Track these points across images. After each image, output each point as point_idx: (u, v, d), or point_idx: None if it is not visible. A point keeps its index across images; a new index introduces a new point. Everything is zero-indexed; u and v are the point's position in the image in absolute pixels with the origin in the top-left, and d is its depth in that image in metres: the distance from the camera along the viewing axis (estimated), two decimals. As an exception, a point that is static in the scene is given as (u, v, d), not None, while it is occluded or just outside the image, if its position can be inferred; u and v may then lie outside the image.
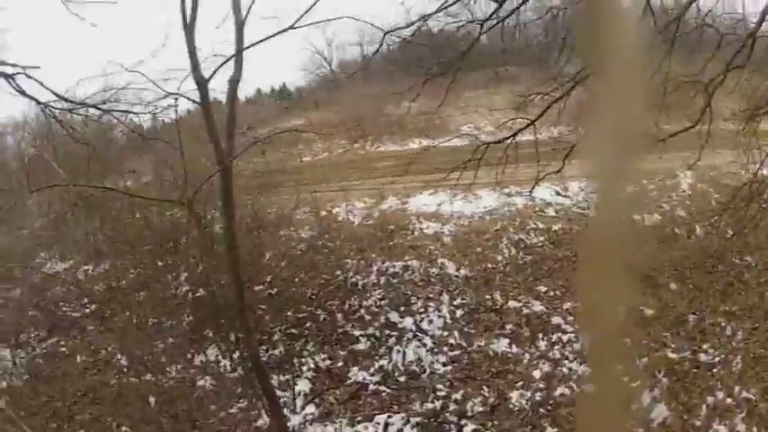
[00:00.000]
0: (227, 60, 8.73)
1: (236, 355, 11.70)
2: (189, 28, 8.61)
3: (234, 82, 9.05)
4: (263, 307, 13.08)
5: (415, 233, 15.62)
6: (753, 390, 10.36)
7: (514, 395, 11.03)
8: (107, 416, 11.13)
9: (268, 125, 23.01)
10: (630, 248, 1.20)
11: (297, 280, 13.75)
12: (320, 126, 24.37)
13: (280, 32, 8.98)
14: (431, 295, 13.40)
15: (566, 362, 11.63)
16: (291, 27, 8.83)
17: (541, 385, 11.20)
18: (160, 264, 14.56)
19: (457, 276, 13.96)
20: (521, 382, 11.28)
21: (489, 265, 14.28)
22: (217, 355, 11.94)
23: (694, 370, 11.00)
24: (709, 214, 14.66)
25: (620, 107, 1.16)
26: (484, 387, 11.23)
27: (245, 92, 31.01)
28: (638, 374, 10.87)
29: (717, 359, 11.11)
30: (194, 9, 8.57)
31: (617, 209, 1.22)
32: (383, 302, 13.27)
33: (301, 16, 8.84)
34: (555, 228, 15.52)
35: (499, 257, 14.56)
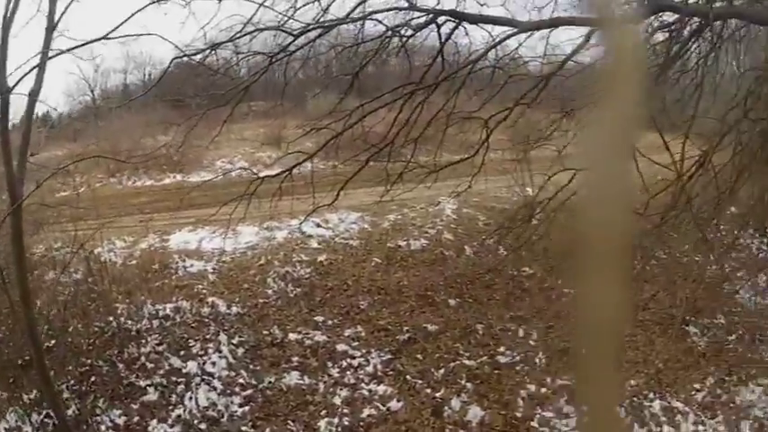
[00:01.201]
0: (36, 67, 7.73)
1: (34, 418, 10.42)
2: (6, 24, 7.62)
3: (34, 95, 8.01)
4: (46, 361, 11.78)
5: (180, 272, 14.92)
6: (566, 377, 11.06)
7: (322, 424, 10.81)
8: None
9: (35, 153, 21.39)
10: (623, 246, 1.29)
11: (71, 329, 12.27)
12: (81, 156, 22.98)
13: (95, 41, 8.25)
14: (207, 336, 12.75)
15: (363, 385, 11.65)
16: (105, 37, 8.17)
17: (346, 410, 11.10)
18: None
19: (230, 314, 13.45)
20: (324, 411, 11.09)
21: (261, 300, 13.95)
22: (17, 420, 10.50)
23: (496, 371, 11.69)
24: (478, 235, 15.60)
25: (617, 121, 1.30)
26: (289, 422, 10.87)
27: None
28: (439, 384, 11.14)
29: (517, 358, 11.77)
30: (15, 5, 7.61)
31: (610, 209, 1.31)
32: (161, 348, 12.34)
33: (120, 25, 8.26)
34: (320, 259, 15.57)
35: (269, 291, 14.29)
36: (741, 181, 10.42)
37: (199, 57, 11.03)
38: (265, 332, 12.94)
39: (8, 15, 7.72)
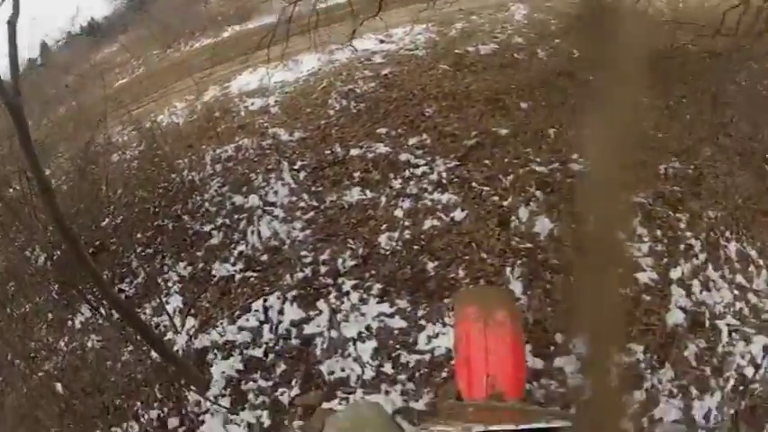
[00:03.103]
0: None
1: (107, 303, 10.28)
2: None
3: (12, 23, 7.62)
4: (113, 240, 11.69)
5: (242, 113, 14.75)
6: (639, 189, 9.34)
7: (382, 239, 9.96)
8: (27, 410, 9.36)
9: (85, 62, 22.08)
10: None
11: (137, 200, 12.36)
12: (136, 44, 23.22)
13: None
14: (269, 167, 12.27)
15: (426, 194, 10.60)
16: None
17: (407, 223, 10.17)
18: (16, 245, 12.70)
19: (291, 141, 12.91)
20: (385, 225, 10.23)
21: (323, 122, 13.28)
22: (91, 309, 10.35)
23: (569, 179, 9.97)
24: (551, 39, 14.49)
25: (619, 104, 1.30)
26: (349, 240, 10.16)
27: (52, 37, 29.00)
28: (507, 192, 10.02)
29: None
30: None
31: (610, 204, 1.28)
32: (224, 189, 12.05)
33: None
34: (384, 72, 14.71)
35: (331, 112, 13.62)
36: None
37: None
38: (327, 152, 12.24)
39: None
